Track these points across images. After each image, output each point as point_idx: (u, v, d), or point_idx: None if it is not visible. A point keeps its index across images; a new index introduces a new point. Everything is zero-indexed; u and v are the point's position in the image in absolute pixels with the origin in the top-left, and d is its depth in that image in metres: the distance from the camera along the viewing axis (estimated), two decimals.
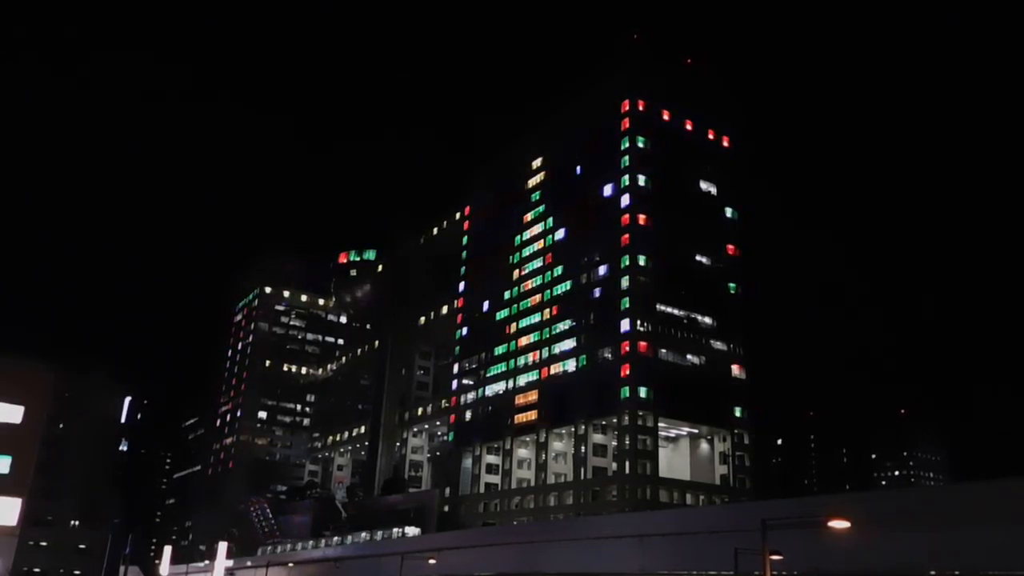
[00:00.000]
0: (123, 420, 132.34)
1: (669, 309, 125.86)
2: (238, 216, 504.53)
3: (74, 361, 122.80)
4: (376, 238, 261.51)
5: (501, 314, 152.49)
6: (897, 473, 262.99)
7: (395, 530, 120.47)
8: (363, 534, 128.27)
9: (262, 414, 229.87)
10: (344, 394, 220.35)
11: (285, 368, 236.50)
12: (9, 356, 77.89)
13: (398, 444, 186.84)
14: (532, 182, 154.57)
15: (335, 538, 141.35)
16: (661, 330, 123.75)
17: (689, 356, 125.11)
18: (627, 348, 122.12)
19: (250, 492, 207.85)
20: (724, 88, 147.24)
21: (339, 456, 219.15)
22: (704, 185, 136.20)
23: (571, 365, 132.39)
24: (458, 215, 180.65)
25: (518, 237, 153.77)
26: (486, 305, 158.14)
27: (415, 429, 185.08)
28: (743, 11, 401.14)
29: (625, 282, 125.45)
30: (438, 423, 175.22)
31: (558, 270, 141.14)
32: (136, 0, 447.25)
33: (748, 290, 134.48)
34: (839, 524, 34.21)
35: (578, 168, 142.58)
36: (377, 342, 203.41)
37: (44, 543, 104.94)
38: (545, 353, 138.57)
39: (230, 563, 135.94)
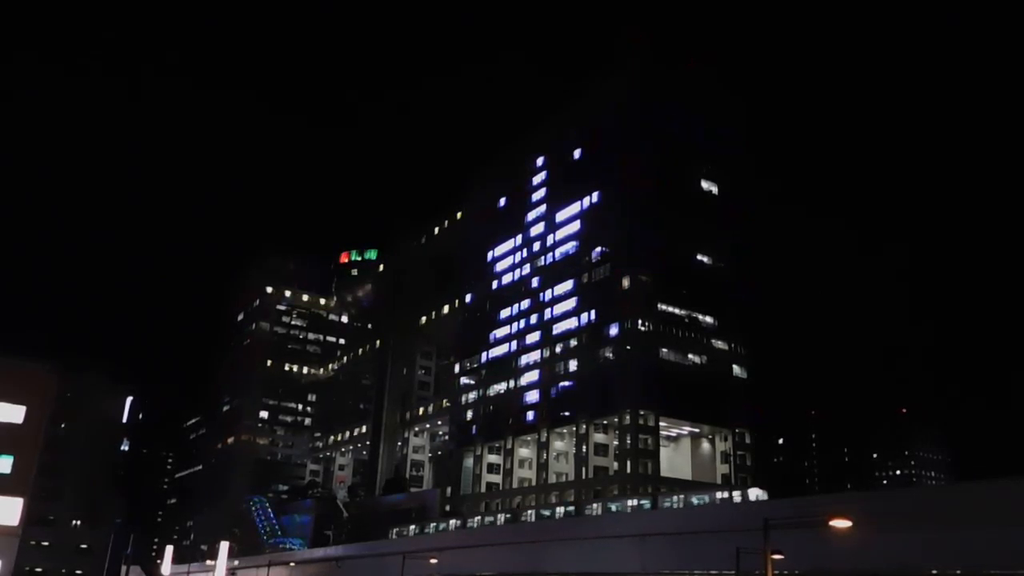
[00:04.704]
0: (125, 420, 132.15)
1: (670, 308, 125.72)
2: (239, 216, 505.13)
3: (75, 361, 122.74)
4: (377, 238, 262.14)
5: (503, 313, 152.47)
6: (899, 472, 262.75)
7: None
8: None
9: (263, 414, 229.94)
10: (345, 394, 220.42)
11: (286, 368, 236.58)
12: (11, 356, 77.91)
13: (399, 444, 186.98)
14: (533, 181, 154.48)
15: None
16: (662, 329, 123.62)
17: (690, 355, 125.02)
18: (628, 347, 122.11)
19: (252, 492, 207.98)
20: (725, 88, 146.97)
21: (340, 456, 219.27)
22: (705, 184, 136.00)
23: (572, 364, 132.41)
24: (458, 215, 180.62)
25: (519, 236, 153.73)
26: (487, 304, 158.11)
27: (416, 429, 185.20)
28: (744, 11, 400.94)
29: (626, 282, 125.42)
30: (439, 423, 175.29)
31: (559, 269, 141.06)
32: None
33: (749, 289, 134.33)
34: (841, 523, 34.29)
35: (578, 168, 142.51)
36: (378, 342, 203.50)
37: (46, 543, 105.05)
38: (546, 352, 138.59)
39: (232, 563, 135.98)
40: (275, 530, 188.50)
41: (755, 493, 77.43)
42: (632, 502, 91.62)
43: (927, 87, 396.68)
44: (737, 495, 77.07)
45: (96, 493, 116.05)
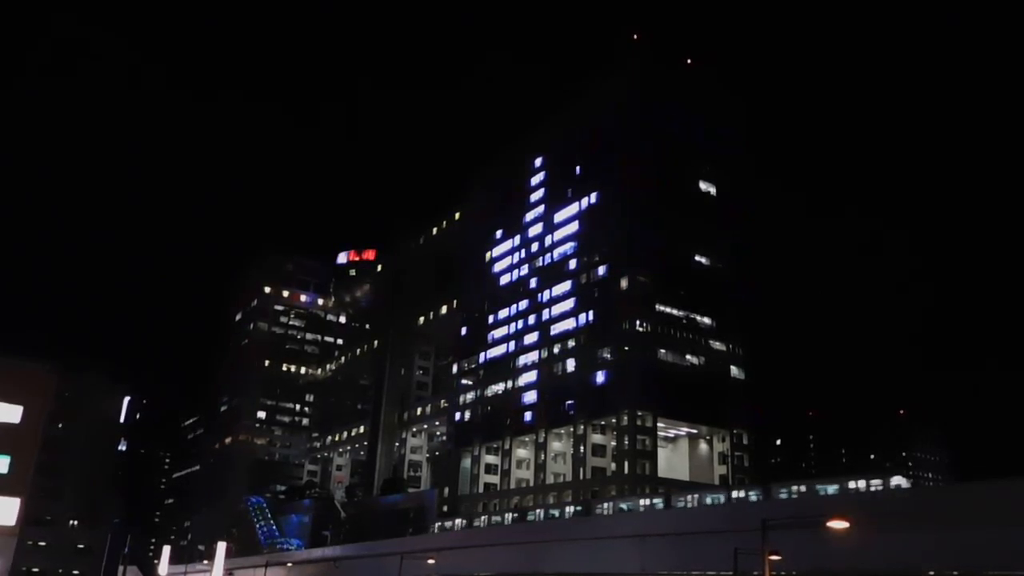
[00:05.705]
0: (122, 420, 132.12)
1: (668, 309, 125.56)
2: (238, 216, 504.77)
3: (74, 361, 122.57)
4: (376, 238, 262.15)
5: (501, 314, 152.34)
6: (896, 473, 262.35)
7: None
8: None
9: (261, 414, 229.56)
10: (343, 394, 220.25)
11: (284, 368, 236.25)
12: (9, 356, 77.79)
13: (397, 444, 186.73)
14: (532, 182, 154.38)
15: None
16: (660, 330, 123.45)
17: (688, 356, 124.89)
18: (626, 348, 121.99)
19: (249, 492, 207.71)
20: (724, 88, 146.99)
21: (338, 456, 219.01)
22: (704, 185, 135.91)
23: (571, 365, 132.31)
24: (458, 215, 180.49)
25: (518, 236, 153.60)
26: (485, 304, 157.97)
27: (414, 429, 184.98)
28: (744, 10, 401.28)
29: (624, 283, 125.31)
30: (437, 423, 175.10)
31: (557, 270, 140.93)
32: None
33: (748, 290, 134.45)
34: (839, 524, 34.21)
35: (578, 168, 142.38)
36: (376, 342, 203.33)
37: (43, 543, 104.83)
38: (544, 353, 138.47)
39: (229, 563, 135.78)
40: (273, 530, 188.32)
41: (896, 481, 68.61)
42: (709, 499, 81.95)
43: (927, 86, 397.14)
44: (877, 483, 68.32)
45: (94, 493, 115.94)
